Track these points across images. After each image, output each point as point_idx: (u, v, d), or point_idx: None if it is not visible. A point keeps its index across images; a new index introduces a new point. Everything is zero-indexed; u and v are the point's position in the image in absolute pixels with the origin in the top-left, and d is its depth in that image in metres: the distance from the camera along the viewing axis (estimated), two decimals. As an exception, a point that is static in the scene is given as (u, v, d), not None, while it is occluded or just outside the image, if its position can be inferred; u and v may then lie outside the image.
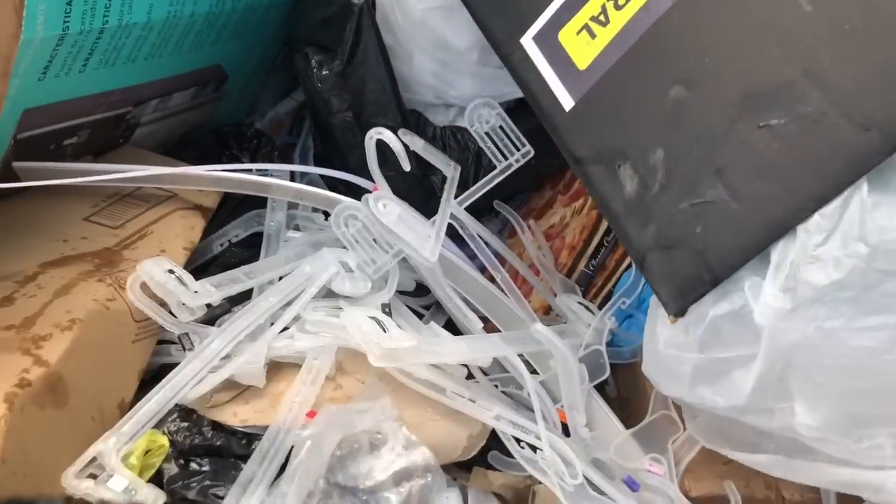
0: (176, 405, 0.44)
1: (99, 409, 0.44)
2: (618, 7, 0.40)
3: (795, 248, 0.33)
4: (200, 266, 0.57)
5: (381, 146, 0.52)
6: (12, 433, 0.37)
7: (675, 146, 0.38)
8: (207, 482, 0.43)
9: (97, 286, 0.46)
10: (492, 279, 0.55)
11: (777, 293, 0.34)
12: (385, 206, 0.50)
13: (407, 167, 0.51)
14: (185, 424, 0.44)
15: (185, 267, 0.52)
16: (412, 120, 0.61)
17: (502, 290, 0.54)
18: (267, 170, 0.58)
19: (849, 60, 0.33)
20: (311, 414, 0.45)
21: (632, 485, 0.46)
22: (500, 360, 0.49)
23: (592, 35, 0.41)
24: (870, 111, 0.31)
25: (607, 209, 0.41)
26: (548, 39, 0.44)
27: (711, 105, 0.36)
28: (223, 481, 0.42)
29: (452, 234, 0.57)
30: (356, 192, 0.54)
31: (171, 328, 0.48)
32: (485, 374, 0.52)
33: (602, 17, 0.41)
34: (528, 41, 0.45)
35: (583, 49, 0.42)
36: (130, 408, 0.46)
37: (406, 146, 0.52)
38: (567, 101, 0.43)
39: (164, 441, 0.43)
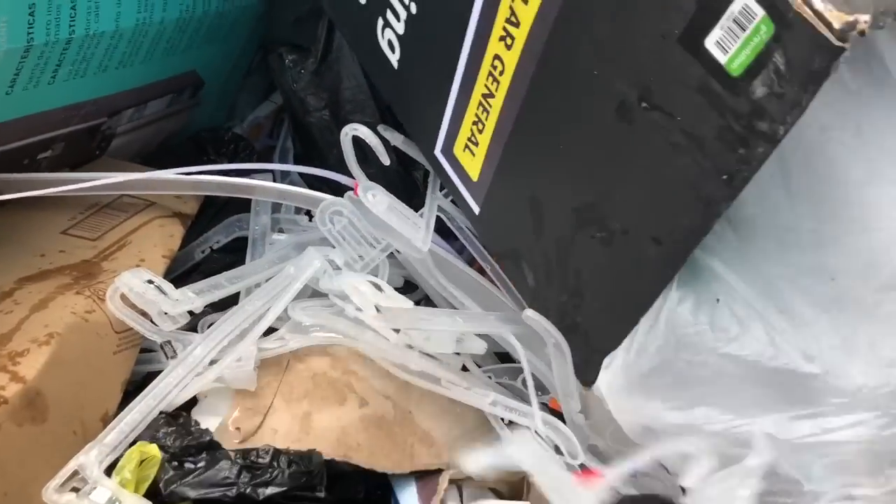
0: (160, 412, 0.44)
1: (81, 423, 0.43)
2: (480, 131, 0.43)
3: (636, 338, 0.37)
4: (183, 273, 0.57)
5: (362, 143, 0.51)
6: (-9, 452, 0.37)
7: (544, 249, 0.42)
8: (205, 475, 0.42)
9: (75, 299, 0.46)
10: (481, 271, 0.55)
11: (619, 373, 0.38)
12: (374, 196, 0.49)
13: (386, 161, 0.50)
14: (173, 428, 0.43)
15: (166, 275, 0.51)
16: (390, 116, 0.61)
17: (492, 282, 0.53)
18: (247, 171, 0.57)
19: (630, 184, 0.35)
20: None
21: (628, 470, 0.46)
22: (495, 338, 0.49)
23: (472, 153, 0.45)
24: (657, 229, 0.34)
25: (521, 295, 0.47)
26: (449, 153, 0.48)
27: (557, 217, 0.41)
28: (220, 469, 0.42)
29: (440, 228, 0.56)
30: (338, 191, 0.54)
31: (152, 337, 0.47)
32: (478, 366, 0.52)
33: (473, 139, 0.44)
34: (439, 153, 0.49)
35: (470, 163, 0.46)
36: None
37: (386, 141, 0.51)
38: (475, 206, 0.47)
39: (155, 451, 0.42)
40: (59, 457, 0.41)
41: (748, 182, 0.30)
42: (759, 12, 0.27)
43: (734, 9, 0.28)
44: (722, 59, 0.29)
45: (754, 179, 0.30)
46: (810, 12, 0.26)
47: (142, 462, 0.42)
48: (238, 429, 0.45)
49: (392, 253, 0.54)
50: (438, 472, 0.47)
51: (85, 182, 0.51)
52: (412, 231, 0.49)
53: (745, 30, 0.28)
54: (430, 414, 0.48)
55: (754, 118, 0.29)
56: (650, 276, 0.36)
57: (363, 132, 0.49)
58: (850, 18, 0.26)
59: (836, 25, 0.25)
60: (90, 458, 0.40)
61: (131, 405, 0.43)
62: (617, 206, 0.36)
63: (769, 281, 0.34)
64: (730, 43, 0.29)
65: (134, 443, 0.43)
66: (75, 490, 0.40)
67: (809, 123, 0.32)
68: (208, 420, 0.46)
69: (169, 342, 0.47)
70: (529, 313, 0.43)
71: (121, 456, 0.42)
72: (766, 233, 0.34)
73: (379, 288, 0.47)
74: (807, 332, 0.32)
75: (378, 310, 0.46)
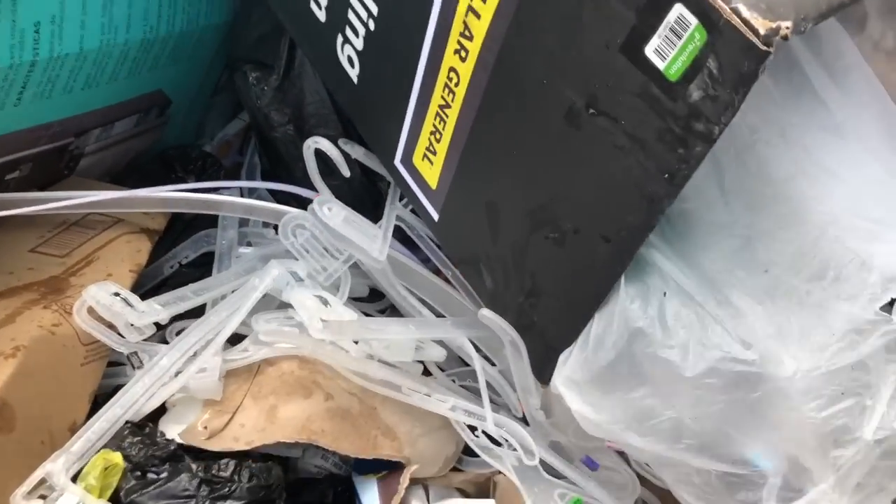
0: (127, 422, 0.44)
1: (49, 433, 0.43)
2: (437, 140, 0.45)
3: (589, 335, 0.39)
4: (152, 288, 0.57)
5: (325, 157, 0.52)
6: (-40, 462, 0.37)
7: (501, 252, 0.44)
8: (165, 487, 0.42)
9: (42, 313, 0.46)
10: (448, 281, 0.56)
11: (577, 368, 0.40)
12: (330, 210, 0.50)
13: (346, 173, 0.51)
14: (138, 438, 0.44)
15: (135, 290, 0.52)
16: (353, 129, 0.62)
17: (454, 287, 0.54)
18: (215, 188, 0.58)
19: (580, 186, 0.37)
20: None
21: (590, 464, 0.47)
22: (453, 349, 0.50)
23: (431, 162, 0.47)
24: (605, 228, 0.37)
25: (480, 298, 0.49)
26: (408, 163, 0.49)
27: (512, 221, 0.43)
28: (180, 481, 0.43)
29: (406, 238, 0.58)
30: (305, 205, 0.54)
31: (118, 348, 0.48)
32: (442, 370, 0.53)
33: (431, 148, 0.46)
34: (398, 164, 0.51)
35: (429, 172, 0.48)
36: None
37: (346, 154, 0.53)
38: (434, 214, 0.49)
39: (119, 459, 0.43)
40: (26, 465, 0.41)
41: (688, 179, 0.32)
42: (693, 21, 0.29)
43: (670, 18, 0.30)
44: (660, 65, 0.31)
45: (691, 178, 0.32)
46: (738, 20, 0.28)
47: (105, 469, 0.43)
48: (205, 427, 0.46)
49: (357, 263, 0.55)
50: (399, 472, 0.48)
51: (53, 201, 0.52)
52: (368, 242, 0.51)
53: (680, 38, 0.30)
54: (395, 412, 0.50)
55: (692, 119, 0.31)
56: (601, 273, 0.38)
57: (324, 145, 0.50)
58: (774, 25, 0.28)
59: (762, 31, 0.28)
60: (57, 466, 0.41)
61: (98, 414, 0.44)
62: (568, 207, 0.38)
63: (707, 274, 0.36)
64: (667, 50, 0.31)
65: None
66: (42, 497, 0.40)
67: (740, 126, 0.35)
68: (177, 428, 0.46)
69: (135, 353, 0.48)
70: (485, 312, 0.45)
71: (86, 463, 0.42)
72: (704, 229, 0.36)
73: (326, 302, 0.48)
74: (743, 322, 0.34)
75: (324, 325, 0.47)
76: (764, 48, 0.28)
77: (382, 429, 0.49)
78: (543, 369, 0.44)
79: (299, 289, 0.50)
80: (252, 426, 0.46)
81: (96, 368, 0.47)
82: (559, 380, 0.40)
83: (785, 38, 0.28)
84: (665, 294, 0.36)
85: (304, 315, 0.47)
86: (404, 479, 0.46)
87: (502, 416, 0.47)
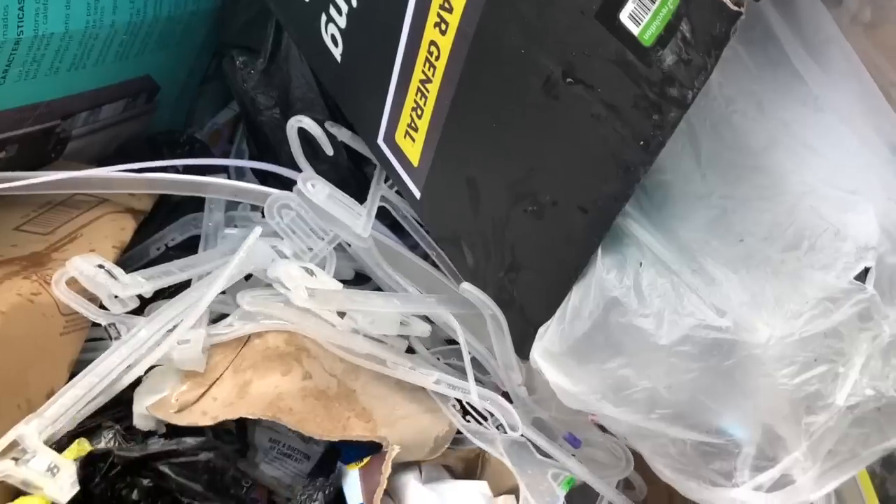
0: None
1: (26, 399, 0.43)
2: (419, 116, 0.45)
3: (567, 306, 0.40)
4: (137, 269, 0.57)
5: (311, 140, 0.53)
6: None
7: (481, 228, 0.45)
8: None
9: (22, 283, 0.46)
10: (434, 265, 0.56)
11: (555, 340, 0.40)
12: (314, 186, 0.50)
13: (329, 151, 0.52)
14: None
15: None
16: (339, 113, 0.62)
17: (438, 268, 0.54)
18: (199, 168, 0.58)
19: (558, 157, 0.38)
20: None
21: (573, 442, 0.47)
22: (438, 325, 0.50)
23: (413, 139, 0.47)
24: (582, 198, 0.37)
25: (461, 274, 0.49)
26: (390, 141, 0.50)
27: (492, 195, 0.43)
28: None
29: (393, 223, 0.58)
30: (291, 188, 0.55)
31: (96, 319, 0.47)
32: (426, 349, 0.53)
33: (413, 125, 0.46)
34: (381, 142, 0.51)
35: (411, 149, 0.48)
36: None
37: (332, 137, 0.53)
38: (416, 192, 0.49)
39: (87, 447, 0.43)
40: (3, 429, 0.41)
41: (663, 147, 0.32)
42: (666, -15, 0.30)
43: (644, -18, 0.30)
44: (635, 30, 0.31)
45: (667, 148, 0.33)
46: (709, -19, 0.28)
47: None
48: (177, 401, 0.46)
49: (343, 246, 0.55)
50: (381, 460, 0.47)
51: (39, 178, 0.52)
52: (353, 219, 0.51)
53: (654, 2, 0.30)
54: (375, 395, 0.49)
55: (666, 85, 0.31)
56: (579, 244, 0.38)
57: (307, 123, 0.50)
58: (744, -15, 0.28)
59: (732, -8, 0.28)
60: (30, 429, 0.41)
61: (73, 381, 0.44)
62: (546, 179, 0.38)
63: (683, 244, 0.36)
64: (641, 15, 0.31)
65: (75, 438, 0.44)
66: (14, 459, 0.40)
67: (716, 97, 0.35)
68: (149, 399, 0.46)
69: (113, 324, 0.48)
70: (466, 286, 0.45)
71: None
72: (680, 199, 0.36)
73: (311, 272, 0.48)
74: (718, 291, 0.35)
75: (310, 294, 0.47)
76: (735, 8, 0.28)
77: (357, 411, 0.48)
78: (523, 345, 0.44)
79: (284, 261, 0.49)
80: (222, 400, 0.46)
81: (76, 339, 0.47)
82: (537, 352, 0.41)
83: (755, -2, 0.28)
84: (641, 264, 0.36)
85: (289, 284, 0.47)
86: (386, 466, 0.45)
87: (486, 390, 0.47)
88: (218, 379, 0.47)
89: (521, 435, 0.46)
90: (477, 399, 0.46)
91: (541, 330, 0.41)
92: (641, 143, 0.33)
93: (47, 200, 0.58)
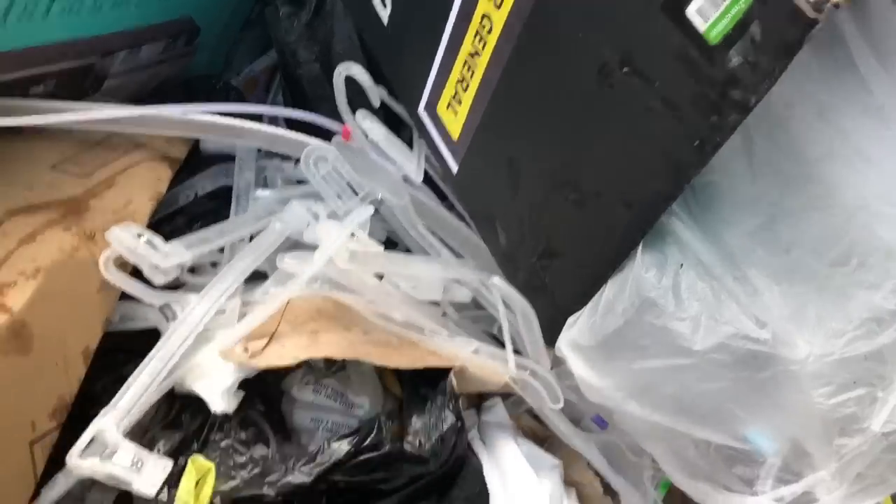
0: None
1: (63, 356, 0.44)
2: (464, 89, 0.44)
3: (600, 300, 0.39)
4: (166, 217, 0.57)
5: (353, 99, 0.51)
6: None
7: (518, 211, 0.43)
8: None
9: (63, 235, 0.46)
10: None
11: (584, 332, 0.39)
12: (372, 123, 0.49)
13: (376, 103, 0.50)
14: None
15: (151, 219, 0.52)
16: (380, 74, 0.61)
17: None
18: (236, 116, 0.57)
19: (606, 148, 0.36)
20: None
21: (600, 423, 0.47)
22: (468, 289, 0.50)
23: (455, 112, 0.46)
24: (628, 193, 0.36)
25: (493, 254, 0.48)
26: (432, 111, 0.48)
27: (533, 179, 0.41)
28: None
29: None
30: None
31: (151, 301, 0.48)
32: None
33: (457, 97, 0.45)
34: (422, 112, 0.49)
35: (452, 122, 0.47)
36: (94, 355, 0.46)
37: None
38: (454, 166, 0.48)
39: (210, 464, 0.43)
40: (42, 386, 0.42)
41: (718, 149, 0.31)
42: (740, -18, 0.28)
43: (716, -22, 0.29)
44: (702, 27, 0.30)
45: (721, 149, 0.31)
46: (788, -16, 0.27)
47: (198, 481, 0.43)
48: (246, 349, 0.45)
49: (375, 210, 0.54)
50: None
51: (76, 112, 0.51)
52: (408, 161, 0.50)
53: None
54: (438, 343, 0.48)
55: (728, 86, 0.30)
56: (619, 239, 0.37)
57: (356, 71, 0.49)
58: (825, -10, 0.26)
59: (812, -4, 0.26)
60: (108, 422, 0.41)
61: (139, 368, 0.44)
62: (592, 168, 0.37)
63: (727, 249, 0.35)
64: (710, 11, 0.30)
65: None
66: (96, 455, 0.41)
67: (775, 100, 0.33)
68: (206, 383, 0.45)
69: (168, 304, 0.48)
70: (496, 281, 0.44)
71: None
72: (728, 202, 0.35)
73: (352, 234, 0.48)
74: (759, 301, 0.34)
75: (351, 255, 0.47)
76: (812, 15, 0.27)
77: (428, 351, 0.47)
78: (552, 332, 0.43)
79: (326, 221, 0.49)
80: (293, 345, 0.45)
81: (111, 297, 0.47)
82: (564, 342, 0.40)
83: (836, 5, 0.27)
84: (682, 265, 0.35)
85: (330, 246, 0.46)
86: (451, 380, 0.45)
87: (526, 359, 0.47)
88: (275, 333, 0.46)
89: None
90: (515, 369, 0.45)
91: (570, 320, 0.41)
92: (696, 143, 0.32)
93: (83, 139, 0.58)
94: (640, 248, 0.36)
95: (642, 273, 0.36)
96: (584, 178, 0.38)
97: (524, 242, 0.44)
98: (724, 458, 0.37)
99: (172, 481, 0.42)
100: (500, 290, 0.44)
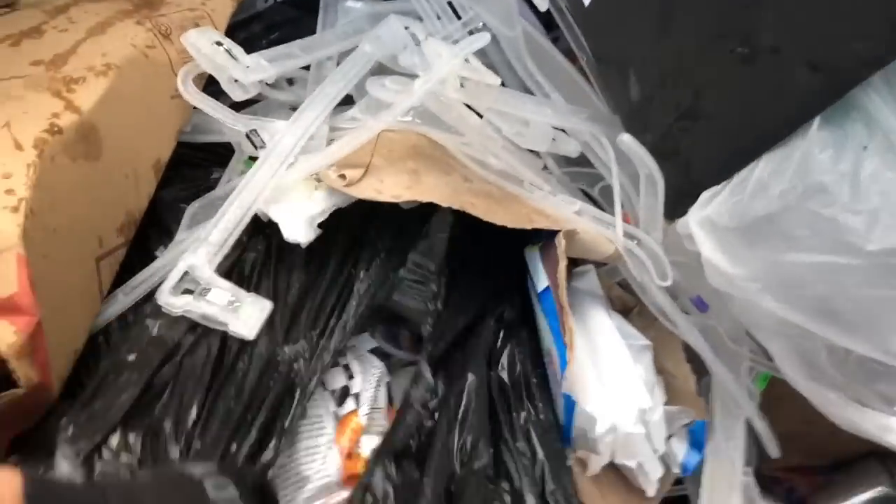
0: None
1: (133, 168, 0.40)
2: None
3: (751, 176, 0.33)
4: (242, 22, 0.52)
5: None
6: (42, 183, 0.33)
7: (662, 58, 0.37)
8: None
9: (136, 29, 0.41)
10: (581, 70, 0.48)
11: (723, 212, 0.34)
12: None
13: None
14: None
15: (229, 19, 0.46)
16: None
17: (585, 77, 0.47)
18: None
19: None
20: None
21: (700, 305, 0.43)
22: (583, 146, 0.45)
23: None
24: (817, 53, 0.29)
25: (617, 108, 0.42)
26: None
27: (690, 22, 0.35)
28: None
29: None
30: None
31: (234, 125, 0.43)
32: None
33: None
34: None
35: None
36: (166, 168, 0.43)
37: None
38: None
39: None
40: (110, 198, 0.39)
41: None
42: None
43: None
44: None
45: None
46: None
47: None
48: (343, 176, 0.41)
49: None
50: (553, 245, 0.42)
51: None
52: None
53: None
54: (539, 201, 0.44)
55: None
56: (792, 107, 0.31)
57: None
58: None
59: None
60: (199, 258, 0.38)
61: (229, 199, 0.40)
62: (773, 17, 0.31)
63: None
64: None
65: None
66: (189, 292, 0.38)
67: None
68: (284, 209, 0.41)
69: (255, 130, 0.43)
70: (626, 138, 0.39)
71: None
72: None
73: (466, 60, 0.41)
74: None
75: (462, 84, 0.41)
76: None
77: (532, 208, 0.43)
78: (677, 205, 0.38)
79: (436, 41, 0.42)
80: (393, 183, 0.41)
81: (186, 105, 0.43)
82: (695, 219, 0.35)
83: None
84: (865, 148, 0.30)
85: (441, 69, 0.40)
86: (560, 241, 0.40)
87: (634, 228, 0.42)
88: (370, 164, 0.42)
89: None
90: (622, 239, 0.41)
91: (704, 195, 0.36)
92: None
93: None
94: (816, 121, 0.30)
95: (815, 152, 0.30)
96: (760, 29, 0.31)
97: (662, 98, 0.38)
98: (866, 371, 0.34)
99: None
100: (629, 149, 0.39)
